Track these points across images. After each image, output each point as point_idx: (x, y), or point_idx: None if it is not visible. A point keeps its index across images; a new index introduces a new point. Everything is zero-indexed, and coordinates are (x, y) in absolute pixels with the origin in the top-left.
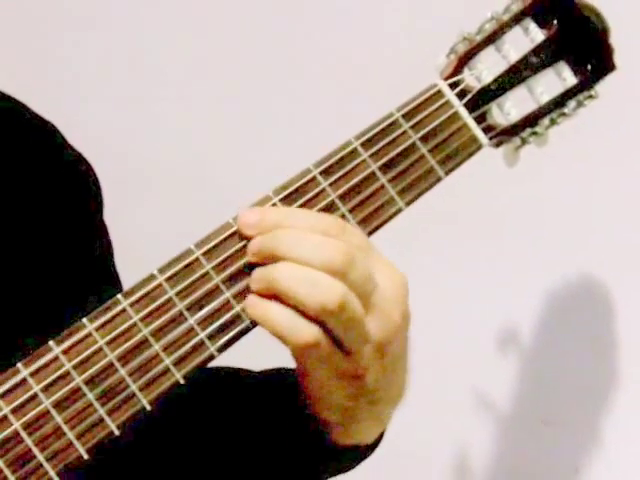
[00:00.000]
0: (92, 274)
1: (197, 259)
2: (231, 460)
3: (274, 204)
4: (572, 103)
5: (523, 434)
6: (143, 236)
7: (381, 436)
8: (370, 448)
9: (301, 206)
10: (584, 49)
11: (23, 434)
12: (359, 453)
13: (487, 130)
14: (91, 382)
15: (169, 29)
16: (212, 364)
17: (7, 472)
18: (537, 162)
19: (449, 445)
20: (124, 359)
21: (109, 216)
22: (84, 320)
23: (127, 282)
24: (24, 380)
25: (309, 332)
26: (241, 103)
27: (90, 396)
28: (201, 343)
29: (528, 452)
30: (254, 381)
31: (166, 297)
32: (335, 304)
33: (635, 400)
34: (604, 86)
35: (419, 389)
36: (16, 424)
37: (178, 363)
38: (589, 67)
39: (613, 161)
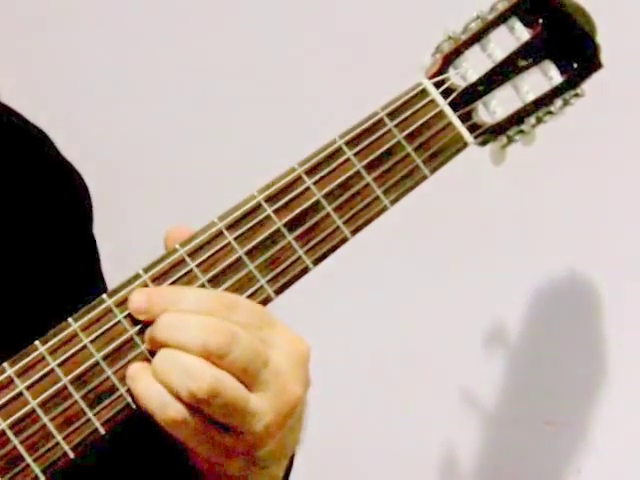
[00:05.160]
0: (79, 283)
1: (182, 258)
2: None
3: (259, 204)
4: (558, 101)
5: (525, 435)
6: (140, 236)
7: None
8: None
9: (285, 205)
10: (570, 48)
11: (9, 433)
12: None
13: (472, 129)
14: (77, 381)
15: (167, 29)
16: None
17: None
18: (525, 161)
19: (449, 446)
20: (110, 358)
21: (105, 218)
22: (69, 320)
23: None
24: (10, 379)
25: (176, 409)
26: (234, 105)
27: (76, 395)
28: None
29: (530, 453)
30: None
31: None
32: (204, 392)
33: (638, 400)
34: (590, 84)
35: (419, 390)
36: (2, 424)
37: None
38: (575, 66)
39: (600, 160)
